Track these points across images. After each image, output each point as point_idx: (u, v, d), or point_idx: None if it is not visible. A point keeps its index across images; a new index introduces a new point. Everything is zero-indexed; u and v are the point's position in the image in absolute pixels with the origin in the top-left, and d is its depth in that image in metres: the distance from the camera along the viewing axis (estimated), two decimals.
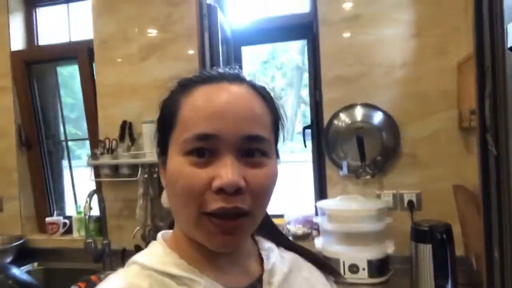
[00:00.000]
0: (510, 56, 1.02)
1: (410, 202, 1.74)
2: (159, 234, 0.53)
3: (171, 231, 0.54)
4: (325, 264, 0.59)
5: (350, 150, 1.77)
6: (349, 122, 1.78)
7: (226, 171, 0.41)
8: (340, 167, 1.80)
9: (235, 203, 0.42)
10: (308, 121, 2.04)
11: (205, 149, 0.43)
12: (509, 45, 0.68)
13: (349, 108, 1.79)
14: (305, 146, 2.04)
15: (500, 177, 1.05)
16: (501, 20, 1.02)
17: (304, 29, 1.98)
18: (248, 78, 0.49)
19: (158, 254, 0.49)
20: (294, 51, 8.88)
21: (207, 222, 0.43)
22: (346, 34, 1.81)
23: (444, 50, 1.72)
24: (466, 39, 1.69)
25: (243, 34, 2.08)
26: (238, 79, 0.48)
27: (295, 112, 9.38)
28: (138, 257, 0.50)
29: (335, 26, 1.81)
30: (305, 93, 8.82)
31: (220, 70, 0.48)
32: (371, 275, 1.53)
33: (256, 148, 0.44)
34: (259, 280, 0.50)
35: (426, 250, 1.34)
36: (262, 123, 0.46)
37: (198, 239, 0.45)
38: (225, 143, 0.43)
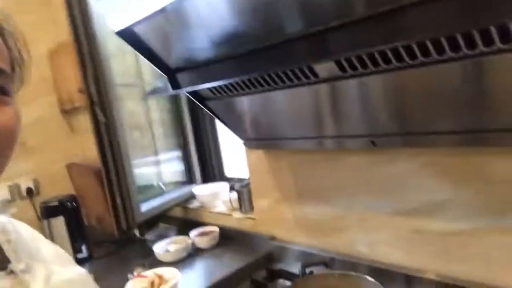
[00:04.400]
0: (105, 44, 1.29)
1: (29, 190, 1.72)
2: None
3: None
4: None
5: None
6: None
7: None
8: None
9: None
10: None
11: None
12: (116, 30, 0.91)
13: None
14: None
15: (111, 138, 1.33)
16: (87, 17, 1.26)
17: None
18: None
19: None
20: None
21: None
22: None
23: (35, 38, 1.78)
24: (53, 29, 1.83)
25: None
26: None
27: None
28: None
29: None
30: None
31: None
32: None
33: None
34: None
35: (58, 223, 1.43)
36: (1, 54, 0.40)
37: None
38: None
